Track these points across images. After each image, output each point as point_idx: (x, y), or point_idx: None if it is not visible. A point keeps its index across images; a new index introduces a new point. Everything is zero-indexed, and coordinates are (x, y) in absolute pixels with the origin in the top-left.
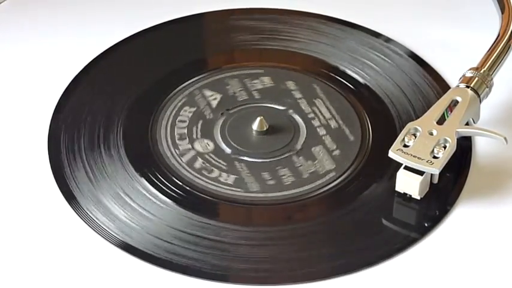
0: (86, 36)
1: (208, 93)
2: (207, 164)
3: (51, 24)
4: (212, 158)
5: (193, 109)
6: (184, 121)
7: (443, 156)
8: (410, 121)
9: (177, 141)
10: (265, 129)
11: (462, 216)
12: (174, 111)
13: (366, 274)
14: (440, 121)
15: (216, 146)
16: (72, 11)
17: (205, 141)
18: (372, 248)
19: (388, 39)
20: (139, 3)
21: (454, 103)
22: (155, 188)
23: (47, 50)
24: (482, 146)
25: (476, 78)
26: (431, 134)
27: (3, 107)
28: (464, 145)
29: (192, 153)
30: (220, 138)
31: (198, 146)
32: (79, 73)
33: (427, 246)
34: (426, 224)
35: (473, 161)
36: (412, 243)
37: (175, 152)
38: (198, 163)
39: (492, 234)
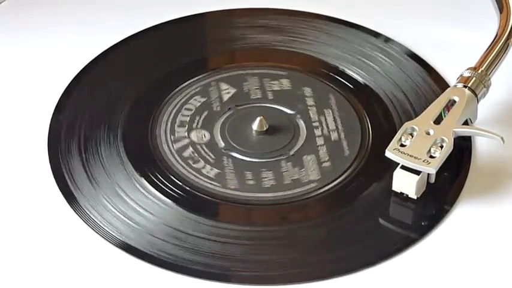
0: (86, 36)
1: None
2: (195, 154)
3: (51, 24)
4: (203, 150)
5: (203, 100)
6: (190, 109)
7: (440, 155)
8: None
9: (176, 129)
10: (264, 129)
11: (461, 215)
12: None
13: (364, 274)
14: (437, 121)
15: (212, 138)
16: (72, 11)
17: (203, 132)
18: (371, 248)
19: (388, 39)
20: (140, 3)
21: (452, 103)
22: (155, 187)
23: (47, 50)
24: (481, 145)
25: (474, 78)
26: (428, 133)
27: (4, 107)
28: (464, 145)
29: (185, 141)
30: (219, 132)
31: (194, 135)
32: (79, 73)
33: (427, 246)
34: (423, 224)
35: (472, 160)
36: (410, 244)
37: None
38: (188, 152)
39: (491, 234)
